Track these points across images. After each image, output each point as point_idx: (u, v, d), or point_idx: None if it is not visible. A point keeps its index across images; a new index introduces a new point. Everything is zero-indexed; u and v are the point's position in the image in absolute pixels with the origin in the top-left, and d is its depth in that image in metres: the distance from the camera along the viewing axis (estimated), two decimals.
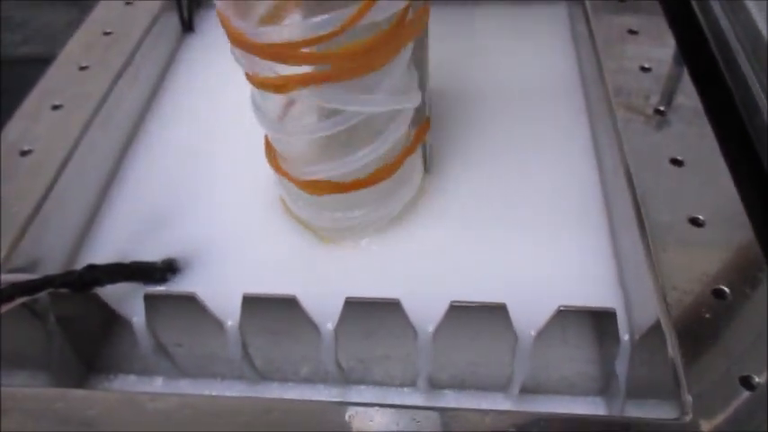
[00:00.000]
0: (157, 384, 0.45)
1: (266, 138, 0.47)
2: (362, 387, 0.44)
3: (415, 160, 0.49)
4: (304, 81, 0.37)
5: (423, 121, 0.47)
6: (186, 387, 0.45)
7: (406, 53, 0.41)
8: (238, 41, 0.37)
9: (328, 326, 0.41)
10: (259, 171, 0.53)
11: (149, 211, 0.51)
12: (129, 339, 0.43)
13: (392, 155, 0.44)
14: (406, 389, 0.44)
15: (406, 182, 0.48)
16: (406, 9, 0.37)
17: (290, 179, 0.45)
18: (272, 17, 0.37)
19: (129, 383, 0.45)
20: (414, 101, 0.43)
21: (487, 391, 0.43)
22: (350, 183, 0.43)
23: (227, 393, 0.44)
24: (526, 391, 0.42)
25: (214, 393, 0.44)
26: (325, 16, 0.34)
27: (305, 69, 0.37)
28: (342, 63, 0.37)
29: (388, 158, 0.44)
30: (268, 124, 0.42)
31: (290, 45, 0.35)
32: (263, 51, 0.37)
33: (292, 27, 0.36)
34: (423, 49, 0.45)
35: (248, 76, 0.40)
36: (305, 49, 0.35)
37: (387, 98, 0.40)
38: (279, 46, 0.36)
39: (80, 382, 0.45)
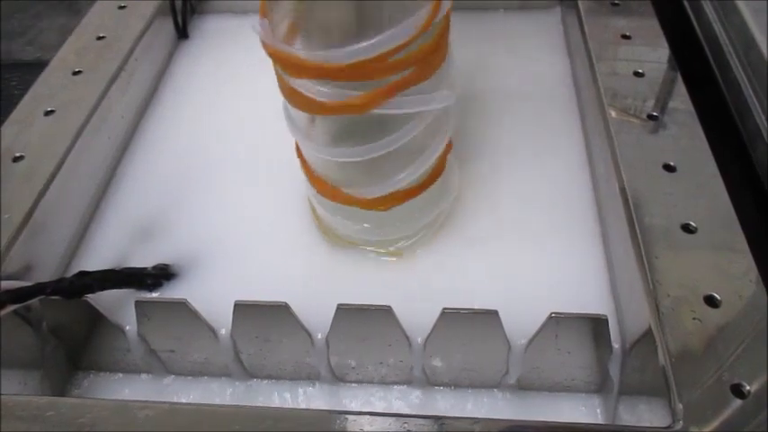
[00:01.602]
0: (145, 378, 0.45)
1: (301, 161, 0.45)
2: (355, 385, 0.44)
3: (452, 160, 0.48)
4: (390, 92, 0.36)
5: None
6: (175, 383, 0.45)
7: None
8: (311, 70, 0.35)
9: (320, 333, 0.41)
10: (257, 176, 0.54)
11: (144, 217, 0.51)
12: (121, 346, 0.43)
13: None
14: (399, 386, 0.44)
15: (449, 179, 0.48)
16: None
17: (348, 199, 0.43)
18: (292, 33, 0.36)
19: (118, 380, 0.45)
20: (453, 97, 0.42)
21: (484, 389, 0.43)
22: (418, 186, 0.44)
23: (218, 391, 0.44)
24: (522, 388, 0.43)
25: (205, 390, 0.44)
26: (407, 21, 0.34)
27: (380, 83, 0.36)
28: (421, 65, 0.36)
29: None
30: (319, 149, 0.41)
31: (380, 57, 0.34)
32: (343, 73, 0.35)
33: (373, 43, 0.34)
34: None
35: (330, 107, 0.37)
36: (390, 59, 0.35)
37: (451, 94, 0.40)
38: (366, 62, 0.34)
39: (70, 381, 0.45)
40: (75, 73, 0.54)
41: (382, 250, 0.47)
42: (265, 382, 0.44)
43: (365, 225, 0.45)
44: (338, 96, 0.36)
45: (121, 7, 0.61)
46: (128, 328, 0.43)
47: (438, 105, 0.39)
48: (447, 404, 0.43)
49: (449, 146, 0.45)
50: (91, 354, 0.44)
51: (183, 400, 0.43)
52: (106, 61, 0.56)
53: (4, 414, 0.34)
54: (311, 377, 0.44)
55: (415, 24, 0.34)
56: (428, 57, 0.37)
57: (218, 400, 0.43)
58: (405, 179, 0.42)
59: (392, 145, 0.39)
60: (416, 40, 0.35)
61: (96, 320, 0.43)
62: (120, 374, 0.45)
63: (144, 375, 0.45)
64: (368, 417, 0.33)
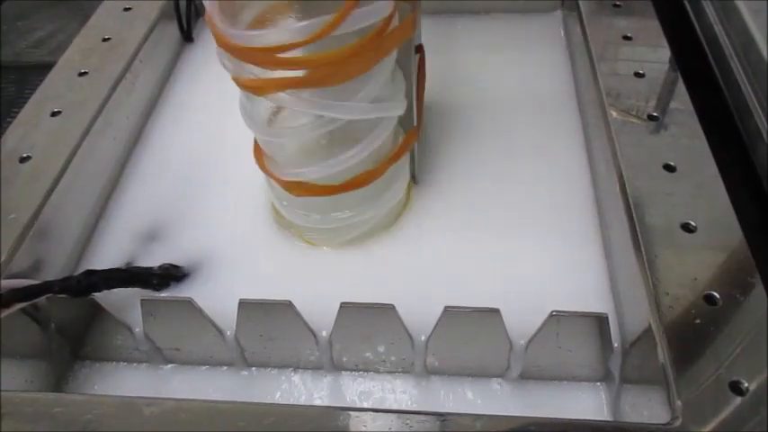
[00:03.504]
0: (146, 366, 0.45)
1: (254, 139, 0.47)
2: (356, 374, 0.44)
3: (402, 166, 0.48)
4: (281, 85, 0.38)
5: (410, 129, 0.47)
6: (177, 372, 0.45)
7: (389, 62, 0.41)
8: (222, 44, 0.38)
9: (323, 333, 0.42)
10: (259, 177, 0.54)
11: (152, 218, 0.51)
12: (128, 344, 0.44)
13: (377, 160, 0.45)
14: (400, 376, 0.44)
15: (390, 187, 0.47)
16: (387, 19, 0.37)
17: (276, 180, 0.45)
18: (260, 22, 0.38)
19: (121, 368, 0.45)
20: (397, 109, 0.43)
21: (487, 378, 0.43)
22: (332, 186, 0.44)
23: (220, 380, 0.44)
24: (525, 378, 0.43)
25: (206, 380, 0.45)
26: (304, 23, 0.35)
27: (286, 74, 0.37)
28: (319, 69, 0.37)
29: (372, 163, 0.44)
30: (255, 126, 0.43)
31: (267, 49, 0.36)
32: (243, 54, 0.37)
33: (272, 32, 0.36)
34: (409, 59, 0.45)
35: (233, 79, 0.40)
36: (280, 54, 0.36)
37: (368, 106, 0.40)
38: (256, 50, 0.36)
39: (72, 368, 0.45)
40: (81, 74, 0.55)
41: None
42: (267, 369, 0.44)
43: (314, 215, 0.46)
44: (246, 75, 0.39)
45: (127, 9, 0.62)
46: (137, 330, 0.43)
47: (355, 116, 0.40)
48: (448, 395, 0.43)
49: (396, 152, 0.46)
50: (96, 349, 0.45)
51: (185, 388, 0.44)
52: (111, 63, 0.56)
53: (13, 411, 0.35)
54: (313, 368, 0.44)
55: (308, 28, 0.35)
56: (332, 63, 0.37)
57: (219, 390, 0.44)
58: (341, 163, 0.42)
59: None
60: (308, 44, 0.35)
61: (103, 319, 0.43)
62: (124, 363, 0.45)
63: (146, 364, 0.45)
64: (370, 413, 0.34)
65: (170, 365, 0.45)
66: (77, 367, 0.45)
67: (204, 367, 0.45)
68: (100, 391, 0.44)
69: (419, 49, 0.47)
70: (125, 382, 0.44)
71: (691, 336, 0.35)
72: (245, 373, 0.44)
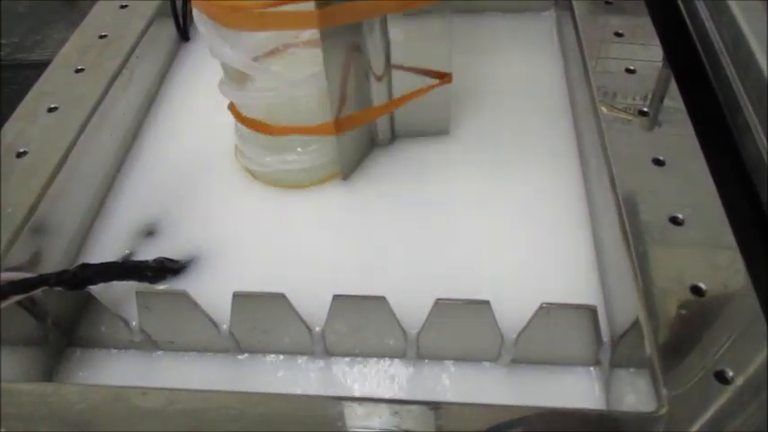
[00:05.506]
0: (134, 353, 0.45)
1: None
2: (349, 361, 0.44)
3: None
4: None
5: None
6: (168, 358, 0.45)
7: None
8: None
9: (317, 328, 0.42)
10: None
11: (147, 213, 0.52)
12: (124, 337, 0.44)
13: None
14: (393, 364, 0.44)
15: None
16: None
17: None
18: None
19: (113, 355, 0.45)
20: None
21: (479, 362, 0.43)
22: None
23: (209, 367, 0.44)
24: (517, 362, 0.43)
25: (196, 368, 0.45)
26: None
27: None
28: None
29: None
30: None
31: None
32: None
33: None
34: None
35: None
36: None
37: None
38: None
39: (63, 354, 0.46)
40: (78, 71, 0.55)
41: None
42: (260, 358, 0.44)
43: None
44: None
45: (123, 6, 0.62)
46: (134, 323, 0.44)
47: None
48: (440, 383, 0.43)
49: None
50: (91, 340, 0.45)
51: (176, 375, 0.44)
52: (108, 59, 0.57)
53: (8, 401, 0.35)
54: (306, 358, 0.44)
55: None
56: None
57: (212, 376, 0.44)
58: None
59: None
60: None
61: (99, 311, 0.43)
62: (115, 350, 0.45)
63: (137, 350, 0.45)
64: (362, 402, 0.34)
65: (162, 352, 0.45)
66: (69, 353, 0.45)
67: (195, 353, 0.45)
68: (92, 377, 0.44)
69: None
70: (117, 370, 0.45)
71: (677, 326, 0.36)
72: (240, 357, 0.44)
